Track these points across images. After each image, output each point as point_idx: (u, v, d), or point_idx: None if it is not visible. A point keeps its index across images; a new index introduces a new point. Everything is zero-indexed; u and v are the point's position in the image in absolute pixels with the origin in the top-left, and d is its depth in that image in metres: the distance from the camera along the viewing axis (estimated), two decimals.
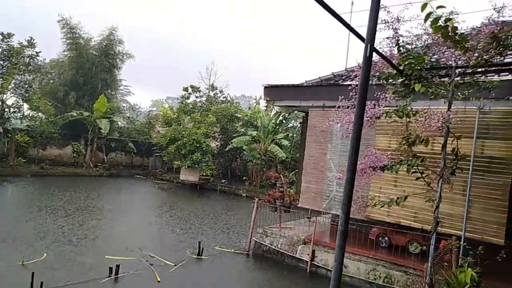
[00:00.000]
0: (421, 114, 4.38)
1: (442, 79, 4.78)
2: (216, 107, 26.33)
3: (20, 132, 21.93)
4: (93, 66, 26.41)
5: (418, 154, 4.85)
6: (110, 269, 7.28)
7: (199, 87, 29.64)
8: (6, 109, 20.94)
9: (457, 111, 5.98)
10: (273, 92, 10.23)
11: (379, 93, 4.64)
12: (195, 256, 9.07)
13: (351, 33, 3.37)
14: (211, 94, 30.60)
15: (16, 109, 21.43)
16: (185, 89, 28.83)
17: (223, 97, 30.40)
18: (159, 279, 7.36)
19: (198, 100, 29.06)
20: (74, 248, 8.87)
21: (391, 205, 4.74)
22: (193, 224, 12.74)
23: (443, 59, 4.86)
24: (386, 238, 8.80)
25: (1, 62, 19.86)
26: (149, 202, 17.71)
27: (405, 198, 4.75)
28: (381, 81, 5.00)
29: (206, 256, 9.17)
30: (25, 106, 22.67)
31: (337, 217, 10.53)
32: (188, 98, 28.81)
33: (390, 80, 4.94)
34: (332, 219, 10.97)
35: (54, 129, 23.42)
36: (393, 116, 4.44)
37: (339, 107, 4.80)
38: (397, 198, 4.72)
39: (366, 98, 2.32)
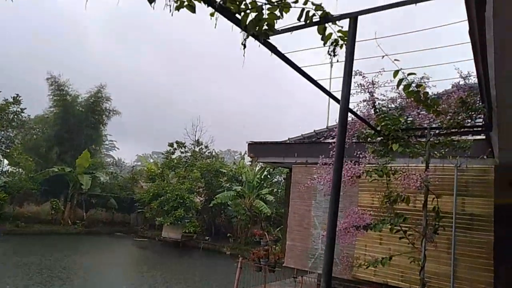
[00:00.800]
0: (400, 173, 4.47)
1: (419, 139, 4.95)
2: (201, 162, 26.33)
3: None
4: (79, 122, 26.51)
5: (400, 212, 4.87)
6: None
7: (184, 143, 29.82)
8: None
9: (436, 169, 6.12)
10: (257, 148, 10.35)
11: (358, 152, 4.76)
12: None
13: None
14: (196, 149, 30.74)
15: None
16: (171, 145, 28.95)
17: (208, 152, 30.54)
18: None
19: (183, 155, 29.09)
20: None
21: (376, 266, 4.64)
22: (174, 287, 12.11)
23: (417, 120, 5.09)
24: None
25: None
26: (128, 263, 16.89)
27: (390, 258, 4.68)
28: (360, 140, 5.15)
29: None
30: (5, 161, 22.22)
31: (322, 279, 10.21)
32: (173, 153, 28.84)
33: (369, 140, 5.10)
34: (318, 279, 10.60)
35: (33, 186, 22.79)
36: (373, 175, 4.51)
37: (320, 164, 4.87)
38: (382, 258, 4.64)
39: (343, 157, 2.38)
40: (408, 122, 5.02)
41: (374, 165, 4.94)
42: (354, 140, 5.36)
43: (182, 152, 29.34)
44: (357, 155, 4.84)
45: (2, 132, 21.33)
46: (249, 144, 10.21)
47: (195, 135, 33.13)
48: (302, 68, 2.97)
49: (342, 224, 4.63)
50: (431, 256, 6.50)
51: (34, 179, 23.13)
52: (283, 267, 10.21)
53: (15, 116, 21.09)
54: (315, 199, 9.33)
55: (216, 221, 26.18)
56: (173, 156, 28.50)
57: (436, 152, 5.08)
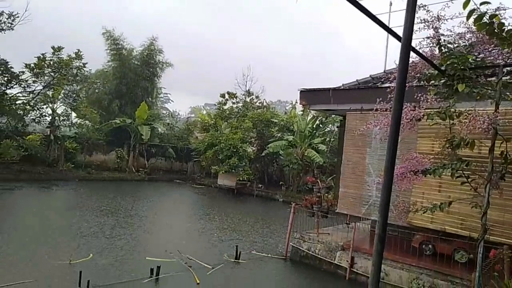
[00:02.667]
0: (465, 115, 4.18)
1: (489, 79, 4.54)
2: (252, 113, 26.54)
3: (69, 139, 23.27)
4: (135, 75, 27.57)
5: (463, 158, 4.62)
6: (151, 270, 7.52)
7: (235, 93, 30.04)
8: (57, 118, 22.31)
9: (506, 112, 5.65)
10: (309, 96, 10.17)
11: (419, 95, 4.49)
12: (233, 260, 9.15)
13: (390, 35, 3.31)
14: (247, 99, 30.88)
15: (65, 118, 22.76)
16: (222, 96, 29.35)
17: (259, 103, 30.58)
18: (198, 281, 7.49)
19: (234, 106, 29.45)
20: (118, 249, 9.24)
21: (434, 211, 4.54)
22: (230, 228, 12.87)
23: (489, 58, 4.62)
24: (430, 246, 8.42)
25: (52, 74, 21.21)
26: (188, 206, 18.12)
27: (450, 203, 4.53)
28: (422, 82, 4.83)
29: (244, 260, 9.22)
30: (73, 114, 24.06)
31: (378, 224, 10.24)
32: (225, 104, 29.29)
33: (432, 81, 4.76)
34: (372, 225, 10.67)
35: (99, 136, 24.65)
36: (435, 118, 4.27)
37: (377, 109, 4.68)
38: (441, 203, 4.51)
39: (403, 100, 2.26)
40: (478, 60, 4.59)
41: (435, 109, 4.66)
42: (415, 83, 5.04)
43: (233, 103, 29.70)
44: (418, 98, 4.57)
45: (68, 87, 22.86)
46: (301, 91, 10.03)
47: (245, 85, 33.18)
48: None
49: (399, 169, 4.51)
50: (495, 204, 6.21)
51: (100, 130, 24.96)
52: (336, 214, 10.38)
53: (78, 71, 22.39)
54: (370, 146, 9.13)
55: (269, 170, 26.80)
56: (225, 107, 28.98)
57: (508, 93, 4.65)
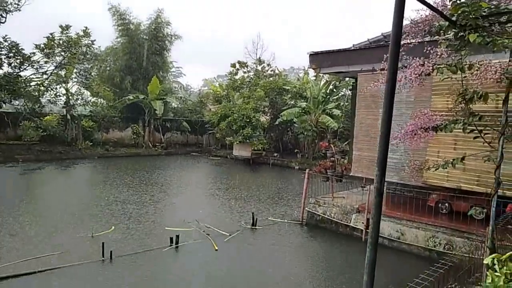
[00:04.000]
0: (477, 67, 3.99)
1: (504, 26, 4.28)
2: (264, 81, 26.23)
3: (85, 117, 23.67)
4: (144, 50, 27.41)
5: (477, 113, 4.47)
6: (171, 239, 7.77)
7: (246, 62, 29.64)
8: (71, 97, 22.61)
9: None
10: (319, 59, 9.93)
11: (429, 49, 4.29)
12: (249, 227, 9.34)
13: None
14: (259, 68, 30.46)
15: (78, 96, 23.05)
16: (233, 65, 29.01)
17: (271, 70, 30.14)
18: (216, 248, 7.72)
19: (246, 75, 29.13)
20: (138, 220, 9.55)
21: (446, 168, 4.45)
22: (247, 197, 13.08)
23: (504, 4, 4.35)
24: (446, 204, 8.38)
25: (63, 53, 21.30)
26: (204, 178, 18.42)
27: (462, 159, 4.42)
28: (432, 35, 4.61)
29: (260, 227, 9.41)
30: (87, 93, 24.32)
31: (393, 185, 10.20)
32: (236, 74, 29.00)
33: (442, 33, 4.54)
34: (388, 187, 10.64)
35: (114, 113, 24.95)
36: (445, 71, 4.10)
37: (383, 69, 4.52)
38: (453, 159, 4.42)
39: (399, 49, 2.16)
40: (492, 7, 4.32)
41: (446, 63, 4.46)
42: (426, 38, 4.81)
43: (244, 72, 29.37)
44: (427, 52, 4.37)
45: (79, 65, 22.98)
46: (310, 54, 9.80)
47: (256, 54, 32.64)
48: None
49: (409, 127, 4.41)
50: (510, 158, 6.06)
51: (114, 107, 25.25)
52: (350, 178, 10.38)
53: (88, 49, 22.41)
54: (382, 107, 8.93)
55: (283, 138, 26.77)
56: (236, 77, 28.71)
57: None
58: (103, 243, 6.99)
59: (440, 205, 8.46)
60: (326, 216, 9.70)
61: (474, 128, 4.32)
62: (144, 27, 28.21)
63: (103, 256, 6.88)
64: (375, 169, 2.03)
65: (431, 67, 4.04)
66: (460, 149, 7.48)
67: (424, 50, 4.46)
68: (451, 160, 4.41)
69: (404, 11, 2.24)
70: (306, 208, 10.16)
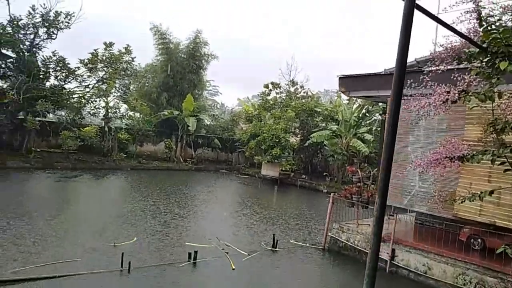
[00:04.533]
0: (508, 95, 3.79)
1: None
2: (296, 102, 26.25)
3: (121, 130, 24.58)
4: (182, 68, 28.35)
5: (509, 143, 4.22)
6: (189, 254, 7.78)
7: (279, 83, 29.88)
8: (109, 110, 23.63)
9: None
10: (349, 82, 9.84)
11: (456, 76, 4.14)
12: (270, 248, 9.19)
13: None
14: (291, 89, 30.58)
15: (116, 110, 24.04)
16: (266, 86, 29.33)
17: (304, 92, 30.16)
18: (233, 267, 7.63)
19: (278, 96, 29.31)
20: (160, 233, 9.65)
21: (473, 200, 4.19)
22: (270, 217, 12.92)
23: None
24: (479, 240, 7.88)
25: (105, 69, 22.44)
26: (231, 195, 18.45)
27: (491, 192, 4.15)
28: (462, 62, 4.45)
29: (281, 249, 9.23)
30: (124, 106, 25.34)
31: (421, 215, 9.75)
32: (268, 94, 29.25)
33: (472, 61, 4.37)
34: (416, 217, 10.19)
35: (149, 127, 25.76)
36: (472, 99, 3.92)
37: (411, 95, 4.40)
38: (481, 192, 4.16)
39: (404, 74, 2.08)
40: None
41: (474, 91, 4.28)
42: (455, 65, 4.65)
43: (277, 93, 29.58)
44: (455, 79, 4.22)
45: (119, 81, 24.07)
46: (340, 77, 9.73)
47: (289, 75, 32.86)
48: None
49: (433, 155, 4.23)
50: None
51: (149, 122, 26.09)
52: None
53: (128, 65, 23.48)
54: (412, 134, 8.67)
55: (313, 160, 26.46)
56: (269, 97, 28.95)
57: None
58: (122, 254, 7.10)
59: (472, 240, 7.97)
60: (349, 243, 9.38)
61: (505, 160, 4.07)
62: (183, 46, 29.27)
63: (121, 267, 6.97)
64: (380, 196, 1.95)
65: (457, 94, 3.88)
66: (495, 181, 7.06)
67: (452, 77, 4.31)
68: (479, 193, 4.16)
69: (411, 31, 2.18)
70: (329, 234, 9.89)
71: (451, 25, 4.17)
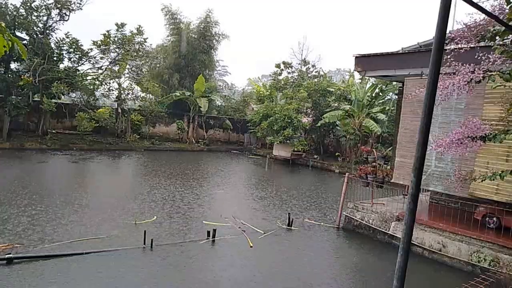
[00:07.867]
0: None
1: None
2: (308, 82, 26.07)
3: (134, 111, 24.83)
4: (193, 49, 28.25)
5: None
6: (208, 232, 8.01)
7: (291, 63, 29.62)
8: (122, 92, 23.82)
9: None
10: (365, 61, 9.76)
11: (481, 55, 4.12)
12: (285, 227, 9.39)
13: None
14: (303, 69, 30.30)
15: (129, 91, 24.22)
16: (277, 66, 29.10)
17: (316, 72, 29.88)
18: (251, 244, 7.85)
19: (290, 76, 29.11)
20: (178, 212, 9.91)
21: (494, 179, 4.25)
22: (284, 197, 13.11)
23: None
24: (495, 219, 7.93)
25: (117, 50, 22.48)
26: (244, 175, 18.67)
27: (511, 171, 4.20)
28: (486, 40, 4.41)
29: (296, 227, 9.42)
30: (137, 88, 25.50)
31: (437, 194, 9.80)
32: (280, 74, 29.07)
33: (498, 39, 4.33)
34: (432, 196, 10.25)
35: (161, 109, 25.94)
36: (497, 79, 3.91)
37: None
38: (501, 171, 4.20)
39: (441, 61, 2.10)
40: None
41: (499, 71, 4.25)
42: (480, 43, 4.60)
43: (289, 73, 29.37)
44: (479, 58, 4.19)
45: (132, 62, 24.14)
46: (356, 57, 9.65)
47: (301, 54, 32.50)
48: None
49: (455, 135, 4.26)
50: None
51: (162, 103, 26.28)
52: (392, 184, 10.09)
53: (140, 46, 23.48)
54: None
55: (325, 140, 26.47)
56: (280, 77, 28.78)
57: None
58: (145, 231, 7.36)
59: (487, 219, 8.02)
60: (364, 222, 9.53)
61: None
62: (194, 26, 29.07)
63: (144, 244, 7.24)
64: (412, 175, 2.02)
65: (481, 74, 3.87)
66: None
67: (476, 57, 4.29)
68: (500, 172, 4.20)
69: (449, 14, 2.19)
70: (344, 213, 10.03)
71: (476, 2, 4.12)
